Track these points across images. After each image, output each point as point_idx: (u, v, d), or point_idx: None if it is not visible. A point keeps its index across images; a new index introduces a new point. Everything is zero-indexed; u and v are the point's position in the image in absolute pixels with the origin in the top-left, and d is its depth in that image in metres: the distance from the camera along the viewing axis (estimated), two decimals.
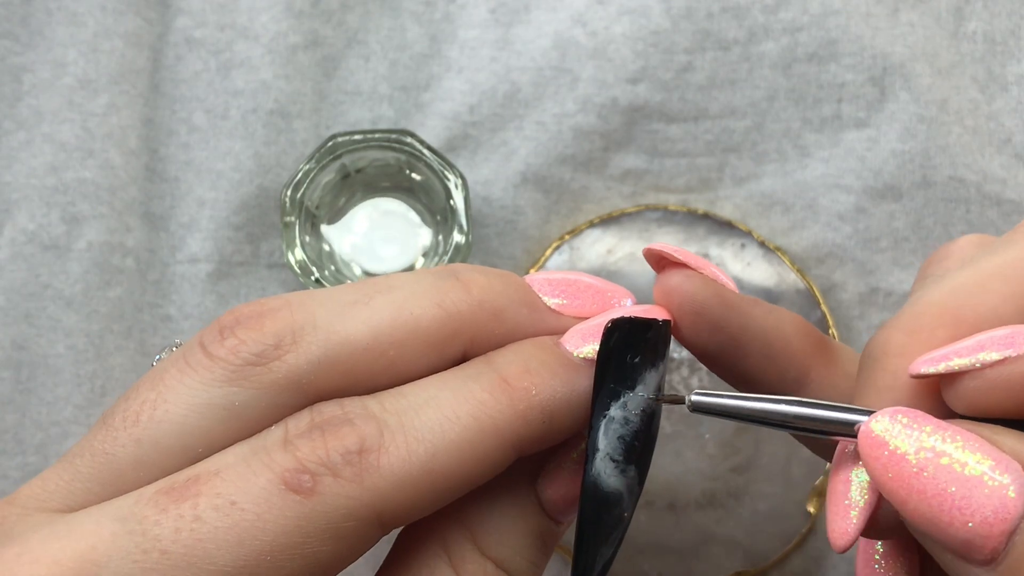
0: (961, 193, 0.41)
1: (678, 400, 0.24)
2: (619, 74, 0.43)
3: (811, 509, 0.40)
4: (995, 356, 0.21)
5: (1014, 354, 0.21)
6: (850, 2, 0.43)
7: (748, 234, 0.42)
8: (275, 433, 0.22)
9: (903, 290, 0.41)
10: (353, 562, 0.22)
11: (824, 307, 0.41)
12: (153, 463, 0.22)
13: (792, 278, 0.41)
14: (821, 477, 0.40)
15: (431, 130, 0.43)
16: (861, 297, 0.42)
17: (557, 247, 0.42)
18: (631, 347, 0.24)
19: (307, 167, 0.39)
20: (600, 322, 0.24)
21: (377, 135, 0.39)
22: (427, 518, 0.24)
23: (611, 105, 0.43)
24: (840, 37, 0.42)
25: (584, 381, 0.24)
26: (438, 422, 0.22)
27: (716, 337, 0.25)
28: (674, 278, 0.25)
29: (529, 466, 0.24)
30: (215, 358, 0.23)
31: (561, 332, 0.25)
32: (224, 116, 0.43)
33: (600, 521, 0.23)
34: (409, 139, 0.39)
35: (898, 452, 0.21)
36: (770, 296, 0.41)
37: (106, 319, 0.41)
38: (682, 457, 0.40)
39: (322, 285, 0.39)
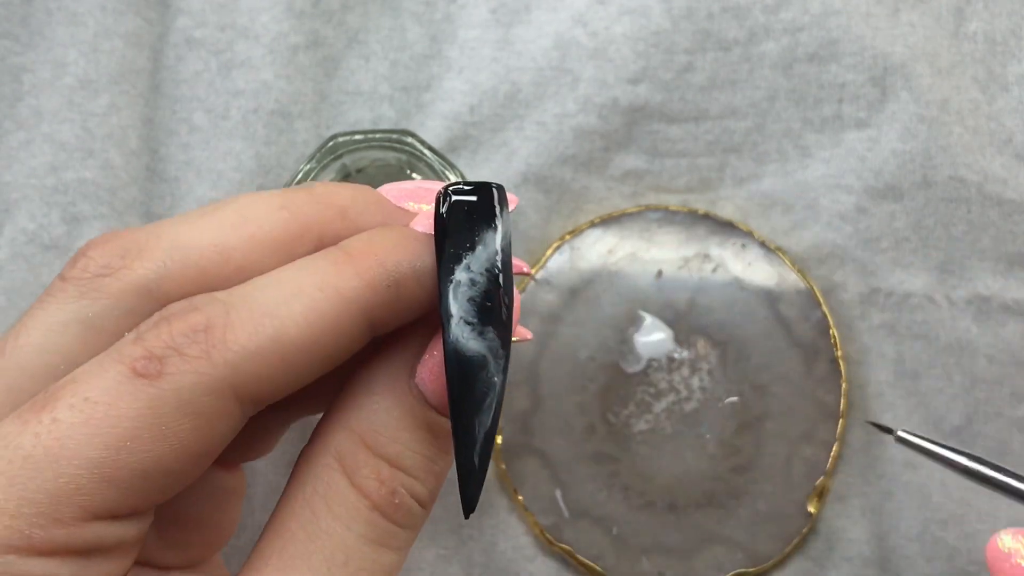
0: (962, 193, 0.41)
1: (887, 430, 0.31)
2: (619, 74, 0.43)
3: (811, 509, 0.40)
4: None
5: None
6: (850, 2, 0.43)
7: (749, 234, 0.42)
8: (128, 336, 0.23)
9: (904, 290, 0.41)
10: (224, 444, 0.23)
11: (824, 307, 0.41)
12: (20, 387, 0.23)
13: (793, 278, 0.41)
14: (821, 477, 0.40)
15: (432, 130, 0.43)
16: (862, 297, 0.42)
17: (558, 247, 0.42)
18: (464, 211, 0.24)
19: (307, 167, 0.39)
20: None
21: (378, 135, 0.39)
22: (317, 436, 0.25)
23: (611, 105, 0.43)
24: (841, 37, 0.42)
25: (430, 254, 0.24)
26: (283, 296, 0.23)
27: None
28: None
29: (405, 365, 0.25)
30: (67, 279, 0.24)
31: None
32: (225, 116, 0.43)
33: (470, 387, 0.23)
34: (410, 139, 0.39)
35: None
36: (771, 296, 0.41)
37: None
38: (682, 457, 0.40)
39: None
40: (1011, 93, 0.43)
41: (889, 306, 0.42)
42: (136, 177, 0.42)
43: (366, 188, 0.26)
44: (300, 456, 0.25)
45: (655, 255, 0.42)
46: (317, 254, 0.24)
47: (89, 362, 0.22)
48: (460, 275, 0.23)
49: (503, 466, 0.40)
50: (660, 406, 0.41)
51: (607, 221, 0.42)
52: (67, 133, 0.42)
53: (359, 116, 0.44)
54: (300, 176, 0.39)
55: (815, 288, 0.41)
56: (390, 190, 0.27)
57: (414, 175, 0.41)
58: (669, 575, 0.39)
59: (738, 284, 0.41)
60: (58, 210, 0.41)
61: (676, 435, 0.40)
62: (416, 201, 0.27)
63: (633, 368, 0.41)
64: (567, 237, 0.42)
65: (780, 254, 0.42)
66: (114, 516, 0.22)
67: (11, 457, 0.21)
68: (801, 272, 0.41)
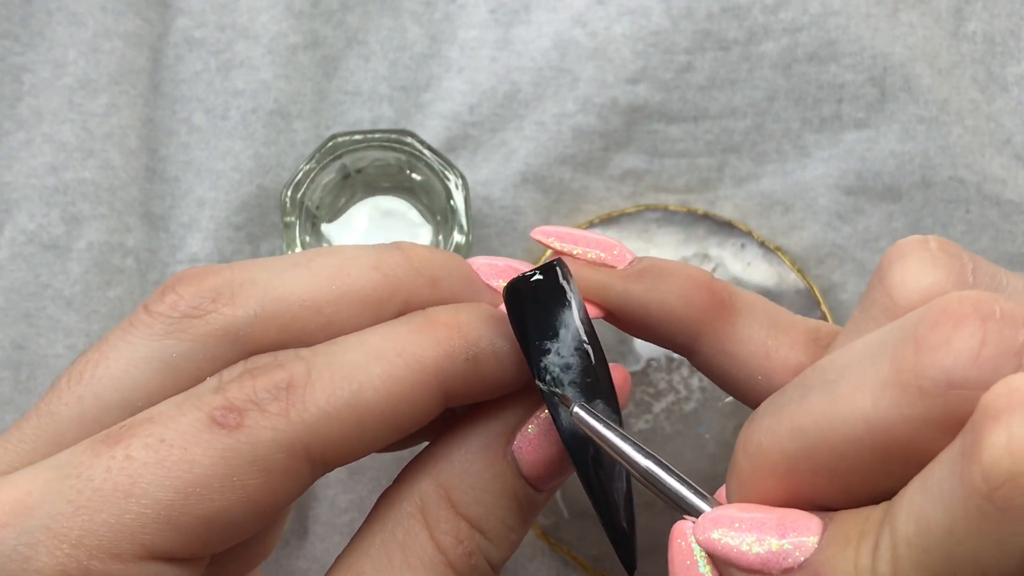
0: (961, 194, 0.42)
1: (566, 401, 0.23)
2: (619, 74, 0.43)
3: None
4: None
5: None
6: (850, 2, 0.43)
7: (748, 234, 0.42)
8: (209, 382, 0.23)
9: None
10: (290, 502, 0.23)
11: (824, 307, 0.41)
12: (94, 418, 0.23)
13: (792, 278, 0.41)
14: None
15: (431, 130, 0.43)
16: (861, 297, 0.42)
17: None
18: (534, 301, 0.24)
19: (307, 167, 0.39)
20: None
21: (377, 135, 0.39)
22: (404, 479, 0.25)
23: (611, 105, 0.43)
24: (840, 37, 0.42)
25: (512, 336, 0.24)
26: (363, 358, 0.23)
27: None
28: None
29: (505, 429, 0.25)
30: (155, 314, 0.24)
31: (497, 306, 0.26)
32: (224, 116, 0.43)
33: (598, 463, 0.23)
34: (409, 139, 0.39)
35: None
36: (770, 296, 0.41)
37: (106, 319, 0.41)
38: (682, 457, 0.40)
39: None
40: (1010, 93, 0.43)
41: None
42: (136, 177, 0.42)
43: (457, 259, 0.26)
44: (383, 496, 0.25)
45: (654, 255, 0.42)
46: (400, 319, 0.24)
47: (166, 402, 0.22)
48: (552, 363, 0.23)
49: None
50: (659, 406, 0.41)
51: (606, 221, 0.42)
52: (67, 133, 0.42)
53: (358, 116, 0.44)
54: (300, 176, 0.39)
55: (814, 288, 0.41)
56: (481, 265, 0.27)
57: (413, 175, 0.41)
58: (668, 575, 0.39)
59: (737, 283, 0.41)
60: (58, 210, 0.41)
61: (675, 435, 0.40)
62: (505, 279, 0.26)
63: (632, 368, 0.41)
64: None
65: (779, 254, 0.42)
66: (172, 559, 0.22)
67: (80, 487, 0.21)
68: (800, 272, 0.41)
